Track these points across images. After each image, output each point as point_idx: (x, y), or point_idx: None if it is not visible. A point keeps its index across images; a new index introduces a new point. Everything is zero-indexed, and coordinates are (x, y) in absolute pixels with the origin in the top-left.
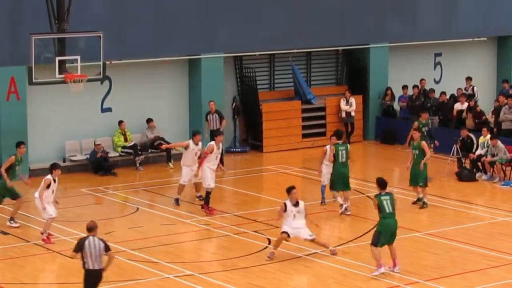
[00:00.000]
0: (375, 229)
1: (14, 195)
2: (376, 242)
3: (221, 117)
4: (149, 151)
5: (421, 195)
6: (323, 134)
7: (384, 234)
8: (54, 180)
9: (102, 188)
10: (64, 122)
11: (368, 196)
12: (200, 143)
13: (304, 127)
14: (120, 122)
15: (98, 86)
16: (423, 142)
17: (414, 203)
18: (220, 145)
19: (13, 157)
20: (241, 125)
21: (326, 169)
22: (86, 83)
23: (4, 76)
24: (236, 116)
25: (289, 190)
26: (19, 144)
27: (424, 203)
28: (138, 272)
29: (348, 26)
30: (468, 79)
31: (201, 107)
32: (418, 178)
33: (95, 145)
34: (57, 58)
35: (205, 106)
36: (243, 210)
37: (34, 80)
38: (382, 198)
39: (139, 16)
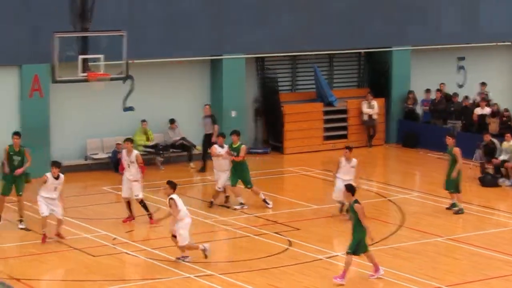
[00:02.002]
0: (355, 238)
1: (17, 190)
2: (355, 251)
3: (214, 122)
4: (170, 150)
5: (455, 201)
6: (344, 136)
7: (364, 242)
8: (55, 178)
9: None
10: (86, 120)
11: (390, 200)
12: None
13: (325, 129)
14: (142, 121)
15: (121, 84)
16: (456, 149)
17: (448, 208)
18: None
19: (7, 146)
20: (262, 126)
21: (340, 184)
22: (109, 81)
23: (28, 74)
24: (257, 117)
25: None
26: (12, 135)
27: (460, 209)
28: (159, 271)
29: (370, 28)
30: (483, 84)
31: (222, 108)
32: (450, 184)
33: (116, 144)
34: (80, 57)
35: (226, 107)
36: (263, 211)
37: (57, 78)
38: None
39: (161, 16)
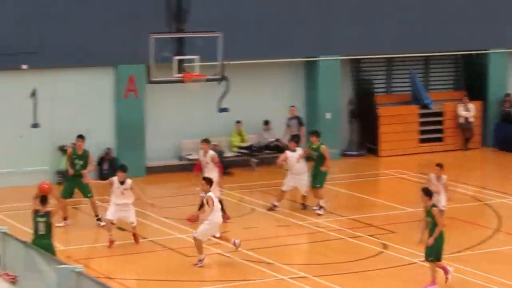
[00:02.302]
0: (434, 244)
1: (84, 193)
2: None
3: (300, 123)
4: (265, 152)
5: None
6: (439, 139)
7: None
8: (121, 182)
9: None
10: (181, 120)
11: (486, 204)
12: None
13: (421, 132)
14: (237, 122)
15: (216, 85)
16: None
17: None
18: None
19: (71, 149)
20: (357, 129)
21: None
22: (204, 82)
23: (123, 74)
24: (352, 119)
25: None
26: (76, 138)
27: None
28: (253, 272)
29: (467, 31)
30: None
31: (317, 109)
32: None
33: (213, 145)
34: (176, 58)
35: (322, 108)
36: (358, 213)
37: (152, 79)
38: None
39: (257, 16)
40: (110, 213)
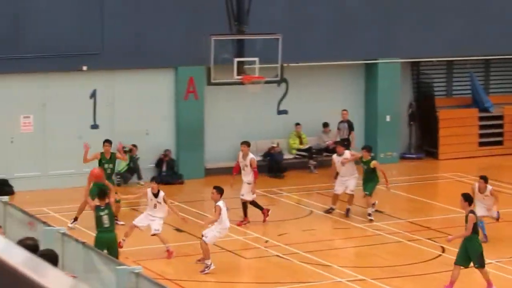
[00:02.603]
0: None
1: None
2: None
3: (350, 127)
4: (324, 154)
5: None
6: (500, 143)
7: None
8: (154, 194)
9: (275, 189)
10: (240, 122)
11: None
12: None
13: (480, 135)
14: (296, 125)
15: (275, 88)
16: None
17: None
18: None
19: (99, 154)
20: (417, 131)
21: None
22: (263, 84)
23: (183, 76)
24: (411, 122)
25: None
26: (103, 142)
27: None
28: (311, 274)
29: None
30: None
31: (377, 112)
32: None
33: (272, 146)
34: (236, 59)
35: (381, 111)
36: (416, 216)
37: (212, 81)
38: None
39: (317, 19)
40: (137, 220)
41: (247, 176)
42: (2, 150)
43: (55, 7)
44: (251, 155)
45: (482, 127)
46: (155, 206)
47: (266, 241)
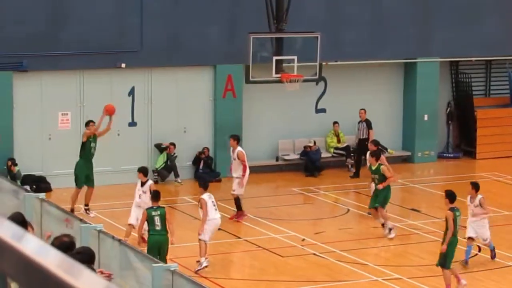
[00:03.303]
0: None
1: (88, 183)
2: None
3: (369, 127)
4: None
5: None
6: None
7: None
8: (141, 184)
9: (313, 188)
10: (278, 121)
11: None
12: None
13: None
14: (334, 123)
15: (313, 86)
16: None
17: None
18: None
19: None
20: (455, 131)
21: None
22: (302, 83)
23: (222, 74)
24: (449, 121)
25: None
26: (87, 122)
27: None
28: (347, 273)
29: None
30: None
31: (415, 111)
32: None
33: (308, 145)
34: (274, 58)
35: (420, 110)
36: None
37: (250, 79)
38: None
39: (356, 18)
40: (132, 218)
41: (237, 171)
42: (40, 147)
43: (93, 4)
44: (239, 148)
45: None
46: (139, 197)
47: (303, 240)
